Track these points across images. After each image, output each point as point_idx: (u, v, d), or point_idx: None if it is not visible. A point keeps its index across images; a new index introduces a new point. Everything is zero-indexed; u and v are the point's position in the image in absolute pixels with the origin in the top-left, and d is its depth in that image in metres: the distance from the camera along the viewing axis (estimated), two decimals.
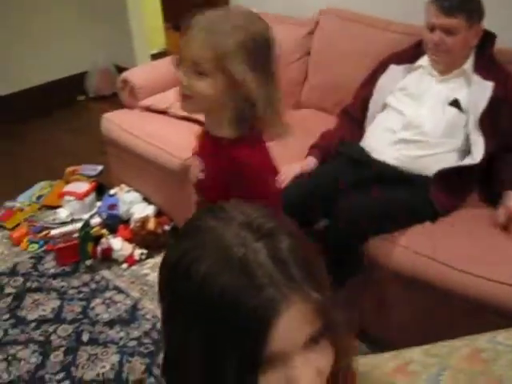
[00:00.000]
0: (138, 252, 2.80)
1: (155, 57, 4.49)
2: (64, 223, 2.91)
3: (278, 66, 1.39)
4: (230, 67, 1.30)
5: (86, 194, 3.07)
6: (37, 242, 2.93)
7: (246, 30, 1.31)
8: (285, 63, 3.00)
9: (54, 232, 2.85)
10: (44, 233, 2.93)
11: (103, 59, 4.76)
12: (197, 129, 2.71)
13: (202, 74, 1.32)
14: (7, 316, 2.54)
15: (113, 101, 4.11)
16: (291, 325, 0.68)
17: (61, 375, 2.26)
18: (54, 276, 2.76)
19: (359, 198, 2.09)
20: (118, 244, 2.78)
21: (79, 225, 2.83)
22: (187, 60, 1.35)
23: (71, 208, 2.98)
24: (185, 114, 2.86)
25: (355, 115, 2.45)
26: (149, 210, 2.89)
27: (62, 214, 2.96)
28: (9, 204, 3.19)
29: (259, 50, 1.32)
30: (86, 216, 2.91)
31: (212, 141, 1.49)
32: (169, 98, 3.00)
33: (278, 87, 1.41)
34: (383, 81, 2.37)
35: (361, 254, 2.06)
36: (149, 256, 2.83)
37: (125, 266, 2.79)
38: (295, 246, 0.72)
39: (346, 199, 2.09)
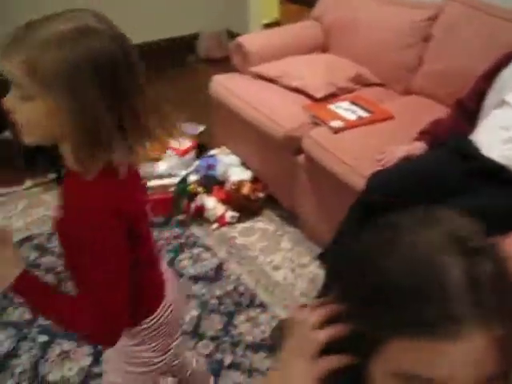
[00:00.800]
0: (229, 214, 2.86)
1: (267, 26, 4.50)
2: (162, 176, 2.99)
3: (136, 88, 1.11)
4: (46, 89, 1.01)
5: (187, 151, 3.15)
6: None
7: (74, 43, 1.00)
8: (398, 46, 2.94)
9: (151, 183, 2.94)
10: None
11: (216, 23, 4.83)
12: (304, 101, 2.76)
13: (25, 96, 1.03)
14: None
15: (222, 64, 4.16)
16: (463, 355, 0.60)
17: None
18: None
19: (467, 201, 2.02)
20: (211, 203, 2.84)
21: (176, 180, 2.91)
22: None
23: (171, 163, 3.05)
24: (295, 84, 2.88)
25: (470, 108, 2.36)
26: (246, 174, 2.93)
27: (161, 167, 3.04)
28: None
29: (92, 71, 1.01)
30: (183, 172, 2.98)
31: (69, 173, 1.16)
32: (280, 67, 3.02)
33: (136, 115, 1.10)
34: (505, 76, 2.27)
35: None
36: (240, 220, 2.88)
37: (215, 225, 2.85)
38: (497, 275, 0.63)
39: (454, 200, 2.04)
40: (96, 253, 1.09)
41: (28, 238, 2.78)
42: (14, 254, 1.13)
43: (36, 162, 3.17)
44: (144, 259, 1.27)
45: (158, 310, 1.36)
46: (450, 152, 2.23)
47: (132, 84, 1.09)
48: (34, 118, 1.05)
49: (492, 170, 2.12)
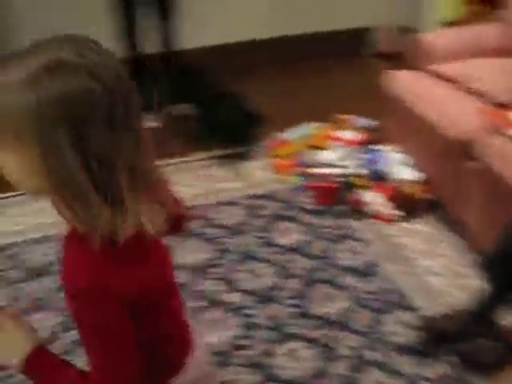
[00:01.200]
0: (391, 211, 2.82)
1: (444, 25, 4.33)
2: (327, 165, 3.02)
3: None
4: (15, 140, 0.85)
5: (355, 144, 3.15)
6: (299, 176, 3.10)
7: (39, 85, 0.82)
8: None
9: (316, 171, 2.99)
10: (307, 169, 3.08)
11: (388, 17, 4.75)
12: (480, 105, 2.65)
13: None
14: (259, 235, 2.76)
15: (393, 59, 4.10)
16: None
17: (292, 301, 2.41)
18: (308, 211, 2.91)
19: None
20: (374, 198, 2.83)
21: (341, 170, 2.93)
22: None
23: (337, 153, 3.07)
24: (475, 87, 2.78)
25: None
26: (412, 173, 2.87)
27: (327, 156, 3.07)
28: (281, 136, 3.39)
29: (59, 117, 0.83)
30: (349, 163, 2.99)
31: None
32: (460, 68, 2.94)
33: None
34: None
35: None
36: (402, 219, 2.83)
37: (376, 221, 2.83)
38: None
39: None
40: (86, 327, 0.99)
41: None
42: (22, 332, 1.07)
43: (215, 135, 3.35)
44: (168, 317, 1.17)
45: (185, 367, 1.23)
46: None
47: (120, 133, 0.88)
48: (10, 172, 0.90)
49: None
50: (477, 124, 2.57)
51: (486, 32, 3.26)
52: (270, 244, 2.70)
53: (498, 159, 2.38)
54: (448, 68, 2.98)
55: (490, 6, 3.64)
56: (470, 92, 2.79)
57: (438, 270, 2.57)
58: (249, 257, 2.63)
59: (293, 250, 2.67)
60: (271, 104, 3.61)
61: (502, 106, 2.66)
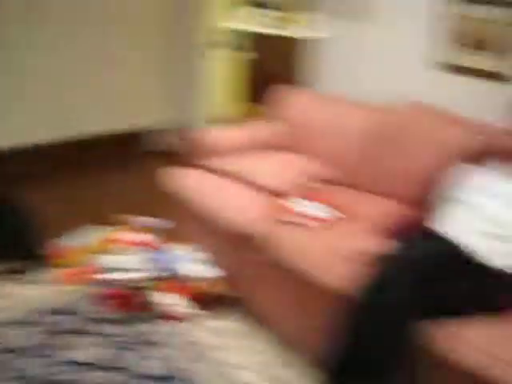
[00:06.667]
0: (189, 310, 2.78)
1: (213, 122, 4.56)
2: (116, 270, 2.87)
3: None
4: None
5: (142, 245, 3.05)
6: (88, 284, 2.90)
7: None
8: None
9: (105, 277, 2.82)
10: (95, 276, 2.89)
11: (163, 118, 4.92)
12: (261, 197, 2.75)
13: None
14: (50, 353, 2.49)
15: (167, 157, 4.24)
16: None
17: None
18: (102, 321, 2.74)
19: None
20: (168, 299, 2.77)
21: (132, 274, 2.81)
22: None
23: (125, 256, 2.95)
24: (254, 179, 2.92)
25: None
26: (210, 271, 2.87)
27: (115, 260, 2.93)
28: (63, 244, 3.20)
29: None
30: (139, 266, 2.87)
31: None
32: (238, 164, 3.09)
33: None
34: None
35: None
36: (206, 318, 2.79)
37: (178, 323, 2.74)
38: None
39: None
40: None
41: None
42: None
43: None
44: None
45: None
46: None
47: None
48: None
49: None
50: (258, 214, 2.68)
51: (259, 128, 3.50)
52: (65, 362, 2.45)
53: (284, 250, 2.48)
54: (226, 163, 3.10)
55: (259, 104, 3.92)
56: (250, 185, 2.91)
57: (248, 365, 2.52)
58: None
59: (90, 364, 2.45)
60: (52, 211, 3.44)
61: (281, 195, 2.81)
